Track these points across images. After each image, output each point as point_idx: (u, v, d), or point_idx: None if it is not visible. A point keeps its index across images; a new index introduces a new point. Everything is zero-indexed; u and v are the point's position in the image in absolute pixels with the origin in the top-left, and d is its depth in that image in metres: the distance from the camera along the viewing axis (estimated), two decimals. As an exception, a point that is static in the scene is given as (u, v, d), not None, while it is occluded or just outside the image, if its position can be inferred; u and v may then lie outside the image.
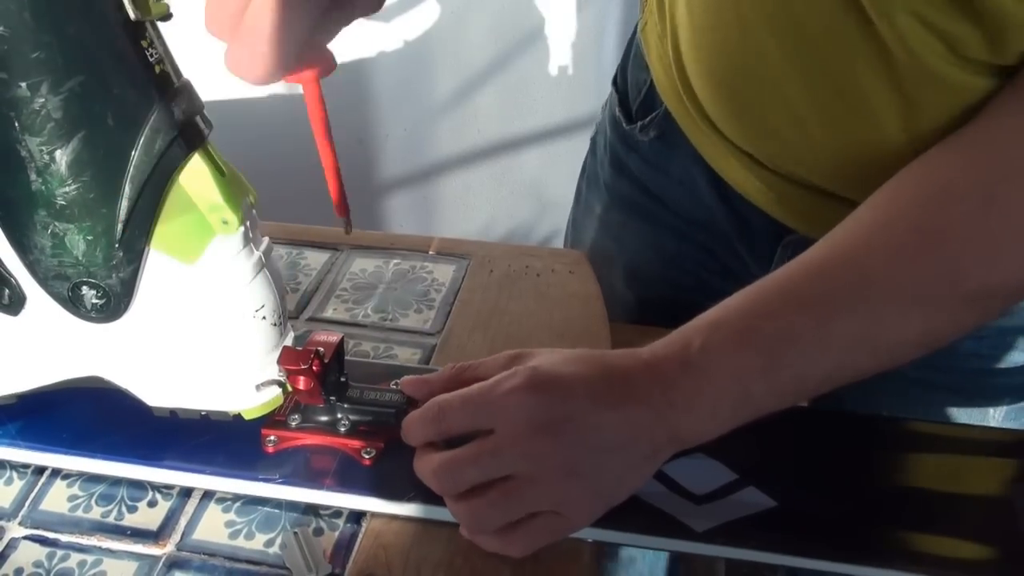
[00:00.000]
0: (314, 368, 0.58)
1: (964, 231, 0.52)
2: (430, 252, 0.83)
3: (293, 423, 0.62)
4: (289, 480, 0.59)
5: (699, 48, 0.67)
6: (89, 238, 0.52)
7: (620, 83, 0.86)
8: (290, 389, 0.60)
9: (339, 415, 0.62)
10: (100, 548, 0.57)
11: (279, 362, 0.58)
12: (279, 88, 1.54)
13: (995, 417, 0.76)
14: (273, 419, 0.62)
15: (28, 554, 0.57)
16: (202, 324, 0.56)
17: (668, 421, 0.53)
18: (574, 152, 2.15)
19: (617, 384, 0.54)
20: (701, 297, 0.66)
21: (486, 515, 0.55)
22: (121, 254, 0.53)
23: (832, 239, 0.55)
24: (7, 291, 0.56)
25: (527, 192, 2.08)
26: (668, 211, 0.83)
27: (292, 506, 0.60)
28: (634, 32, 0.84)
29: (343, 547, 0.57)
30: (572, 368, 0.55)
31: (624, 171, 0.86)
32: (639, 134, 0.82)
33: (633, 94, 0.84)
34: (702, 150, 0.75)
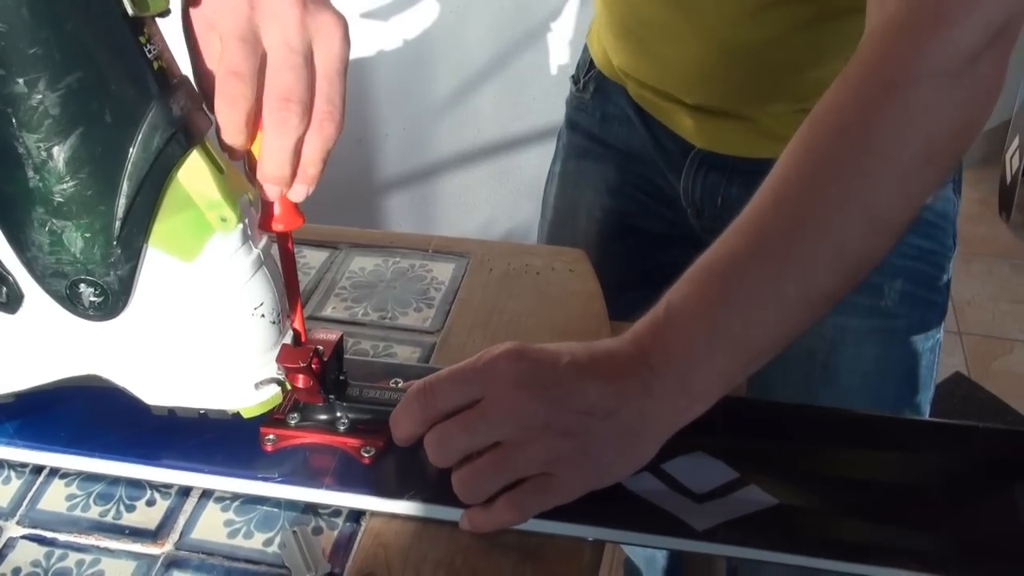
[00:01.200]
0: (313, 366, 0.58)
1: (833, 102, 0.58)
2: (430, 251, 0.83)
3: (292, 422, 0.61)
4: (288, 479, 0.59)
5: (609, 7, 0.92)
6: (87, 235, 0.52)
7: (575, 73, 1.06)
8: (289, 387, 0.60)
9: (338, 414, 0.61)
10: (98, 547, 0.57)
11: (278, 360, 0.58)
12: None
13: (890, 296, 0.86)
14: (272, 418, 0.61)
15: (26, 553, 0.57)
16: (201, 322, 0.56)
17: (652, 388, 0.55)
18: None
19: (601, 359, 0.56)
20: (646, 222, 1.00)
21: (477, 482, 0.55)
22: (119, 251, 0.53)
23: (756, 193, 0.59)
24: (4, 289, 0.56)
25: (526, 192, 2.07)
26: (611, 149, 1.00)
27: (291, 505, 0.59)
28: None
29: (342, 546, 0.57)
30: (557, 345, 0.57)
31: (576, 127, 1.04)
32: (583, 93, 1.02)
33: (580, 69, 1.04)
34: (633, 93, 0.94)
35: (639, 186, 0.99)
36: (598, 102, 1.00)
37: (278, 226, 0.56)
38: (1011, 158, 2.62)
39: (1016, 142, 2.60)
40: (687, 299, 0.56)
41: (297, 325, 0.59)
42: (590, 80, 1.01)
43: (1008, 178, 2.64)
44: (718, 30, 0.81)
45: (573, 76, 1.06)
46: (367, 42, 1.67)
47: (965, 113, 0.56)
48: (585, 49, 1.05)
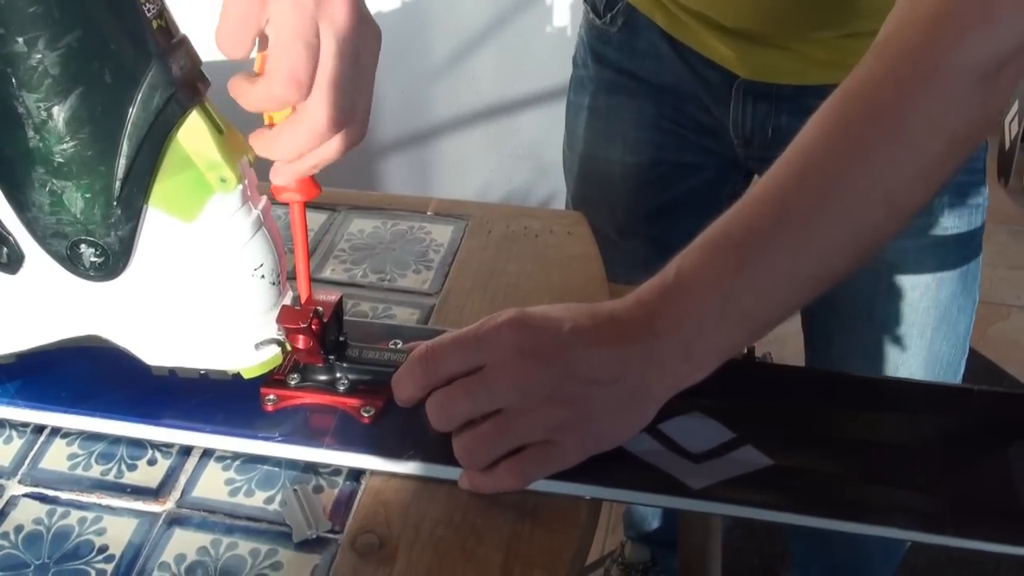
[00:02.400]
0: (313, 327, 0.58)
1: (868, 80, 0.57)
2: (428, 213, 0.83)
3: (292, 382, 0.62)
4: (288, 438, 0.60)
5: None
6: (87, 196, 0.52)
7: None
8: (289, 348, 0.60)
9: (338, 374, 0.62)
10: (100, 505, 0.58)
11: (278, 321, 0.58)
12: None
13: (939, 210, 0.89)
14: (272, 378, 0.62)
15: (28, 511, 0.57)
16: (201, 283, 0.56)
17: (656, 352, 0.55)
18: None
19: (604, 324, 0.56)
20: (683, 156, 0.99)
21: (478, 447, 0.56)
22: (119, 212, 0.53)
23: (777, 163, 0.58)
24: (5, 249, 0.56)
25: (525, 155, 2.07)
26: (643, 83, 0.98)
27: (292, 464, 0.60)
28: None
29: (343, 504, 0.57)
30: (559, 311, 0.57)
31: (603, 60, 1.01)
32: (609, 26, 0.98)
33: (600, 1, 1.00)
34: (664, 24, 0.92)
35: (676, 119, 0.98)
36: (626, 36, 0.98)
37: (294, 196, 0.56)
38: (1010, 124, 2.61)
39: (1015, 108, 2.59)
40: (699, 266, 0.56)
41: (303, 291, 0.60)
42: (618, 14, 0.98)
43: (1007, 144, 2.63)
44: None
45: (587, 3, 1.03)
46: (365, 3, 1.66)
47: (989, 112, 0.57)
48: None
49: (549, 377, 0.55)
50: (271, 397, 0.62)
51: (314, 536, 0.55)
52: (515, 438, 0.56)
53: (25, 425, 0.63)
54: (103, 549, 0.55)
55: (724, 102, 0.93)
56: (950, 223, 0.90)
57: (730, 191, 0.58)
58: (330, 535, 0.56)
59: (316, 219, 0.82)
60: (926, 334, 0.94)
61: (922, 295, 0.92)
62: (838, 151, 0.56)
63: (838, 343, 0.99)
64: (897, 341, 0.94)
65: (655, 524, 1.42)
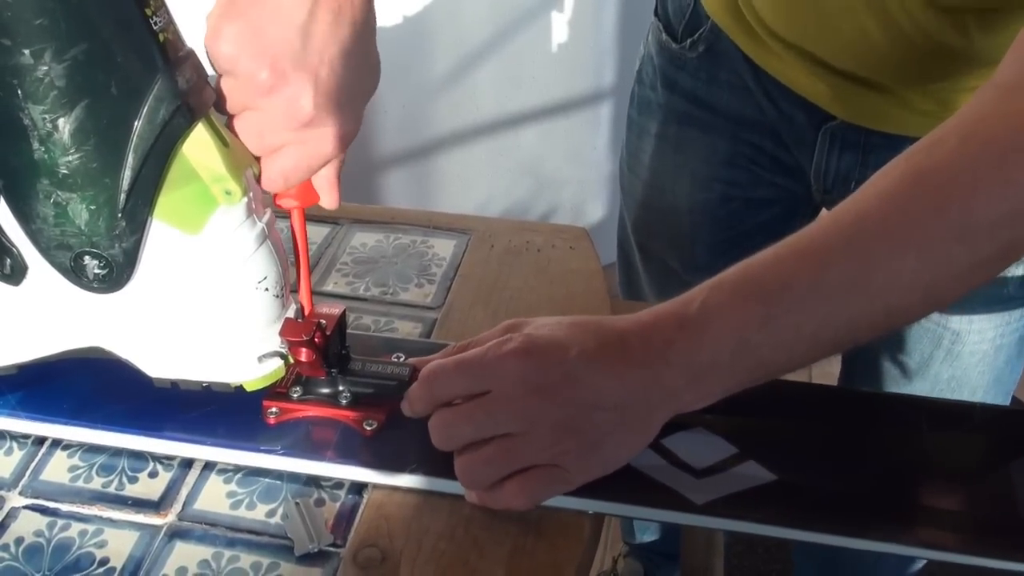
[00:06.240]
0: (316, 340, 0.58)
1: (945, 167, 0.54)
2: (431, 227, 0.83)
3: (295, 395, 0.62)
4: (291, 452, 0.60)
5: None
6: (92, 207, 0.52)
7: (661, 12, 0.96)
8: (292, 361, 0.60)
9: (341, 387, 0.62)
10: (101, 518, 0.58)
11: (281, 334, 0.58)
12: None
13: (1012, 283, 0.86)
14: (275, 391, 0.62)
15: (29, 523, 0.57)
16: (204, 295, 0.56)
17: (664, 381, 0.54)
18: (573, 130, 2.14)
19: (612, 346, 0.55)
20: (754, 191, 0.95)
21: (480, 470, 0.55)
22: (124, 224, 0.53)
23: (829, 216, 0.57)
24: (9, 261, 0.56)
25: (525, 169, 2.07)
26: (719, 116, 0.93)
27: (293, 477, 0.60)
28: None
29: (345, 518, 0.57)
30: (566, 332, 0.56)
31: (676, 88, 0.95)
32: (687, 52, 0.93)
33: (676, 19, 0.94)
34: (754, 54, 0.87)
35: (752, 157, 0.94)
36: (706, 63, 0.92)
37: (291, 203, 0.57)
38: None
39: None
40: (725, 307, 0.54)
41: (304, 299, 0.60)
42: (700, 39, 0.92)
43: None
44: (895, 13, 0.74)
45: (660, 22, 0.97)
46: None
47: None
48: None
49: (555, 409, 0.54)
50: (273, 410, 0.61)
51: (316, 550, 0.55)
52: (517, 462, 0.55)
53: (26, 437, 0.63)
54: (104, 562, 0.55)
55: (808, 144, 0.89)
56: (1017, 292, 0.88)
57: (798, 225, 0.57)
58: (332, 549, 0.55)
59: (318, 232, 0.82)
60: (976, 394, 0.94)
61: (979, 360, 0.92)
62: (892, 231, 0.54)
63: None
64: (945, 395, 0.94)
65: (648, 537, 1.41)
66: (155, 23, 0.50)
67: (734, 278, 0.55)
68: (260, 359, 0.59)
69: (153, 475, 0.60)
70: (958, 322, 0.89)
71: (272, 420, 0.61)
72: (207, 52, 0.51)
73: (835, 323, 0.54)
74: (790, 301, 0.54)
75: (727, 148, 0.95)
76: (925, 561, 1.04)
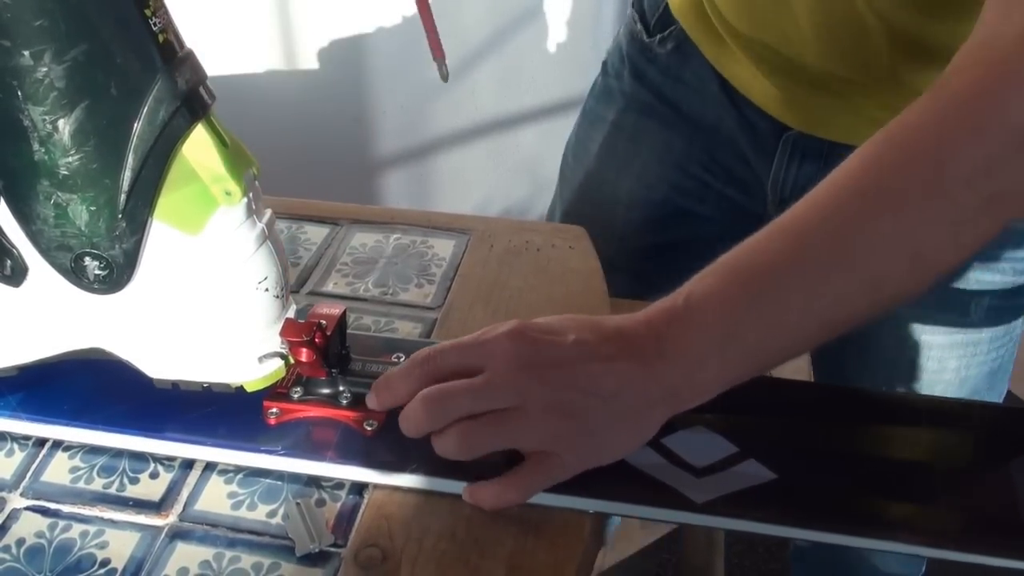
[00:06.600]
0: (316, 340, 0.58)
1: (914, 122, 0.54)
2: (430, 227, 0.83)
3: (295, 395, 0.62)
4: (291, 452, 0.60)
5: None
6: (92, 208, 0.52)
7: (637, 3, 0.95)
8: (292, 361, 0.60)
9: (341, 387, 0.62)
10: (102, 519, 0.58)
11: (281, 334, 0.58)
12: (279, 64, 1.53)
13: (976, 313, 0.83)
14: (275, 391, 0.62)
15: (30, 524, 0.57)
16: (205, 296, 0.56)
17: (659, 374, 0.54)
18: (571, 130, 2.14)
19: (609, 339, 0.56)
20: (700, 205, 0.93)
21: (479, 435, 0.55)
22: (124, 225, 0.53)
23: (806, 196, 0.57)
24: (9, 262, 0.56)
25: (524, 170, 2.07)
26: (681, 117, 0.92)
27: (294, 478, 0.60)
28: None
29: (345, 518, 0.57)
30: (564, 323, 0.57)
31: (643, 79, 0.94)
32: (657, 46, 0.92)
33: (651, 12, 0.93)
34: (715, 59, 0.86)
35: (705, 165, 0.92)
36: (675, 62, 0.91)
37: None
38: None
39: None
40: (710, 296, 0.55)
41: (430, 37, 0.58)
42: (670, 36, 0.90)
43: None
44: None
45: (635, 12, 0.95)
46: (366, 18, 1.66)
47: None
48: None
49: (548, 390, 0.54)
50: (274, 410, 0.62)
51: (317, 550, 0.55)
52: (511, 436, 0.55)
53: (27, 438, 0.63)
54: (105, 563, 0.55)
55: (768, 154, 0.86)
56: (986, 323, 0.86)
57: (732, 246, 0.57)
58: (333, 549, 0.55)
59: (318, 233, 0.82)
60: None
61: (943, 391, 0.89)
62: (867, 196, 0.54)
63: None
64: None
65: None
66: (154, 24, 0.50)
67: (717, 265, 0.56)
68: (260, 359, 0.60)
69: (154, 476, 0.60)
70: (916, 345, 0.86)
71: (273, 420, 0.61)
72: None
73: (822, 299, 0.54)
74: (772, 280, 0.54)
75: (683, 149, 0.93)
76: (924, 561, 1.03)
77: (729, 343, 0.54)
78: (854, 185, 0.55)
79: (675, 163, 0.93)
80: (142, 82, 0.50)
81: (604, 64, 1.01)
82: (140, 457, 0.61)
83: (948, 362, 0.87)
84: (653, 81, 0.93)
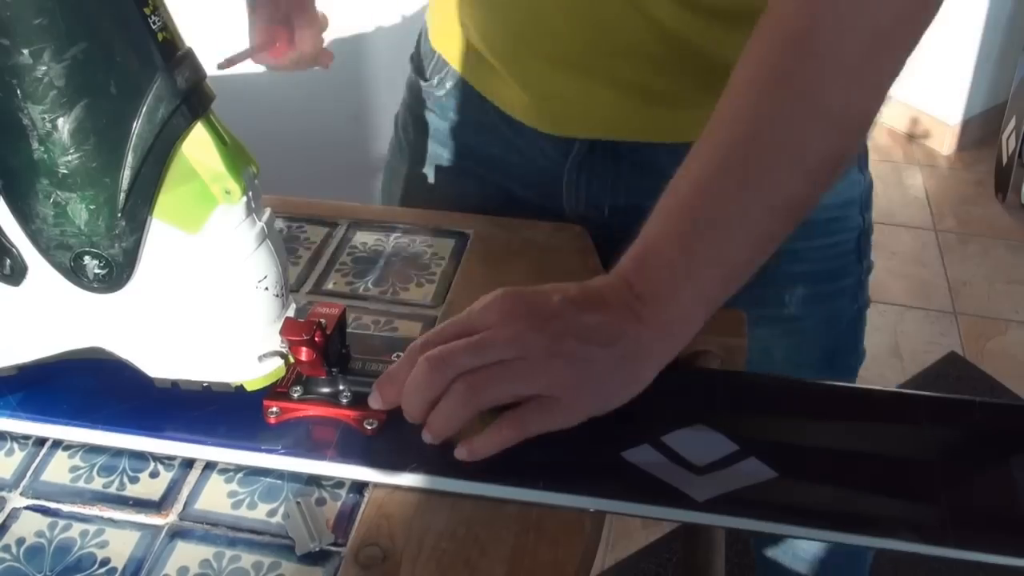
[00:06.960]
0: (316, 339, 0.58)
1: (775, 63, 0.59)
2: (431, 227, 0.83)
3: (295, 394, 0.62)
4: (291, 451, 0.59)
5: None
6: (91, 207, 0.52)
7: (414, 53, 0.95)
8: (292, 360, 0.60)
9: (341, 386, 0.62)
10: (102, 518, 0.58)
11: (281, 333, 0.58)
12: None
13: (791, 304, 0.86)
14: (275, 390, 0.62)
15: (30, 524, 0.57)
16: (204, 295, 0.56)
17: (644, 317, 0.58)
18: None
19: (591, 294, 0.59)
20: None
21: (484, 384, 0.57)
22: (124, 223, 0.53)
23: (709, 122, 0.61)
24: (9, 261, 0.56)
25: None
26: (468, 159, 0.91)
27: (294, 477, 0.60)
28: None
29: (346, 517, 0.57)
30: (548, 287, 0.61)
31: (425, 130, 0.93)
32: (435, 89, 0.90)
33: (427, 59, 0.92)
34: (486, 88, 0.85)
35: (503, 203, 0.88)
36: (453, 101, 0.89)
37: None
38: (1007, 139, 2.62)
39: (1012, 123, 2.60)
40: (660, 232, 0.60)
41: None
42: (447, 76, 0.89)
43: (1004, 159, 2.64)
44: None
45: (412, 63, 0.95)
46: (365, 17, 1.66)
47: None
48: (425, 37, 0.93)
49: (546, 338, 0.57)
50: (274, 409, 0.61)
51: (317, 549, 0.55)
52: (517, 382, 0.57)
53: (27, 437, 0.63)
54: (105, 562, 0.55)
55: (558, 177, 0.84)
56: (806, 311, 0.87)
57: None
58: (333, 548, 0.55)
59: (318, 232, 0.82)
60: None
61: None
62: (760, 82, 0.59)
63: None
64: None
65: None
66: (153, 22, 0.50)
67: (659, 204, 0.61)
68: (260, 359, 0.60)
69: (154, 475, 0.60)
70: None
71: (273, 420, 0.61)
72: None
73: (753, 189, 0.59)
74: (704, 194, 0.59)
75: (476, 192, 0.90)
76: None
77: (691, 267, 0.58)
78: (745, 81, 0.60)
79: (474, 208, 0.87)
80: (141, 80, 0.50)
81: (395, 117, 1.00)
82: (140, 456, 0.61)
83: (775, 351, 0.88)
84: (435, 128, 0.92)
